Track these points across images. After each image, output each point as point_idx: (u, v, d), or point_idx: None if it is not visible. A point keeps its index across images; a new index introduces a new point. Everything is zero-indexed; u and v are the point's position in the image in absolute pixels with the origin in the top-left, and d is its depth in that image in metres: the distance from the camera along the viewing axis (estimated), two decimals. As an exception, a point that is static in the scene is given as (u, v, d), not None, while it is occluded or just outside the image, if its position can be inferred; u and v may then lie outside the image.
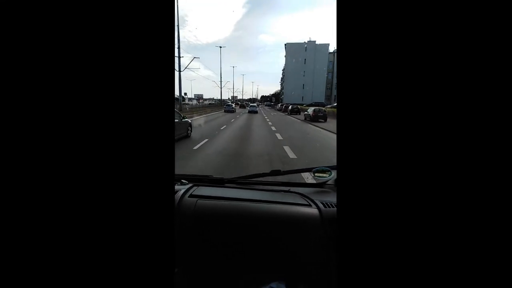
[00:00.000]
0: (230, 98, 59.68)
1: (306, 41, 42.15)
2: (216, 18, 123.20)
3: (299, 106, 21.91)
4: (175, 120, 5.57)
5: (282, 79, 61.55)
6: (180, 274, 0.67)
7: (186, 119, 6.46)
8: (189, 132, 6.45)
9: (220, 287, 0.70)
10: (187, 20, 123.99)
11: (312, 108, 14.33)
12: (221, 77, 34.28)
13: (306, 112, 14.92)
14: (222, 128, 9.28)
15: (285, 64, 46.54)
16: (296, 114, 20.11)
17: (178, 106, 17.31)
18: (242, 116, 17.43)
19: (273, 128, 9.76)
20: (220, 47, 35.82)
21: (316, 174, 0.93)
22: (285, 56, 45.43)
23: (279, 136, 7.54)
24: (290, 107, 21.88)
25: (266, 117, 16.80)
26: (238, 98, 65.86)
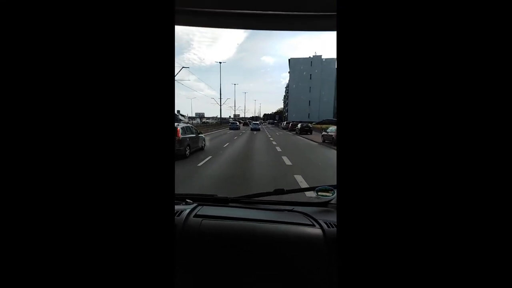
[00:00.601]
0: (232, 117, 57.18)
1: (312, 56, 40.09)
2: (219, 41, 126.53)
3: (310, 125, 18.50)
4: (192, 135, 6.58)
5: (285, 96, 59.44)
6: None
7: (201, 134, 7.43)
8: (203, 145, 7.47)
9: None
10: (192, 44, 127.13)
11: (334, 127, 10.86)
12: (220, 94, 31.65)
13: (325, 133, 11.40)
14: (200, 164, 5.76)
15: (289, 80, 44.13)
16: (307, 134, 16.63)
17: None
18: (241, 137, 14.00)
19: (287, 161, 6.17)
20: (220, 62, 33.50)
21: (319, 193, 0.92)
22: (289, 72, 43.27)
23: (302, 183, 3.97)
24: (299, 126, 18.46)
25: (271, 138, 13.33)
26: (241, 116, 63.40)
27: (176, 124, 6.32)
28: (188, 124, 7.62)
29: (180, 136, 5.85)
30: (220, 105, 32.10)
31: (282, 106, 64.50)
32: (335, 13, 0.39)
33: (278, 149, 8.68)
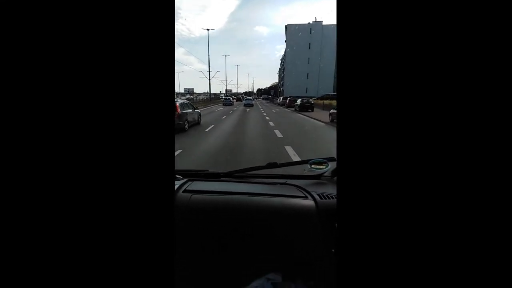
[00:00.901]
0: (223, 92, 53.49)
1: (311, 22, 35.76)
2: (209, 10, 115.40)
3: (311, 100, 16.15)
4: (189, 110, 7.03)
5: (281, 69, 55.67)
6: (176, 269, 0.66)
7: (197, 110, 8.28)
8: (199, 119, 8.07)
9: (216, 281, 0.69)
10: (179, 12, 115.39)
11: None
12: (209, 65, 28.09)
13: (333, 110, 9.23)
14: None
15: (285, 50, 40.01)
16: (307, 112, 14.42)
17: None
18: (232, 116, 11.73)
19: (293, 155, 4.10)
20: (208, 29, 29.11)
21: (313, 166, 0.90)
22: (285, 40, 39.14)
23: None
24: (298, 102, 16.08)
25: (267, 117, 11.16)
26: (233, 91, 59.48)
27: (175, 100, 6.72)
28: (186, 100, 8.19)
29: (179, 111, 6.19)
30: (209, 79, 28.60)
31: (277, 80, 60.92)
32: None
33: (278, 133, 6.55)
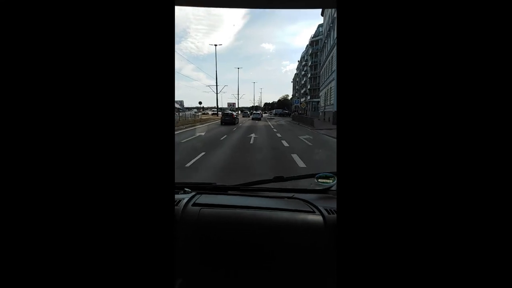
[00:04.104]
0: (227, 107, 39.09)
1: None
2: (217, 28, 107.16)
3: None
4: (235, 116, 16.56)
5: (299, 75, 41.51)
6: (184, 284, 0.67)
7: (237, 117, 17.40)
8: (237, 121, 16.26)
9: None
10: (188, 32, 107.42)
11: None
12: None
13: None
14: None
15: (322, 30, 25.07)
16: None
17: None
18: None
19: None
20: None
21: (319, 180, 0.91)
22: (320, 25, 24.38)
23: None
24: None
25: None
26: (236, 106, 44.48)
27: (231, 111, 18.81)
28: (236, 112, 19.62)
29: (235, 116, 15.66)
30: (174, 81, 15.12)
31: (286, 94, 47.79)
32: None
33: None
